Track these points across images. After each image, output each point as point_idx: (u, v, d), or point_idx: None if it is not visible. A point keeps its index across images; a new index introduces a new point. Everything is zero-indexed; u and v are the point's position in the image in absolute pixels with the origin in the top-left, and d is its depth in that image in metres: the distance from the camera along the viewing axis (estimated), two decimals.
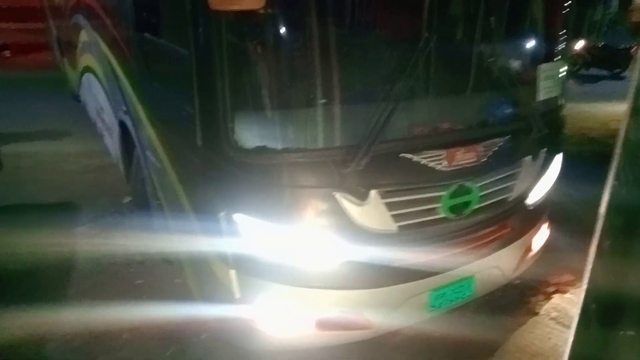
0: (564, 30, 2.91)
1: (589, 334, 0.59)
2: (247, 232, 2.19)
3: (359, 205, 2.17)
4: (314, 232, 2.19)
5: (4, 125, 5.32)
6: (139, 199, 3.84)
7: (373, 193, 2.18)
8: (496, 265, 2.71)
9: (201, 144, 2.22)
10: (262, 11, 1.87)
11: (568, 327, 2.87)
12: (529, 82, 2.67)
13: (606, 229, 0.57)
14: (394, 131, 2.19)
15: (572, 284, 3.35)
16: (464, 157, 2.35)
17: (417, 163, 2.24)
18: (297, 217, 2.17)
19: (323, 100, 2.10)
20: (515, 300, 3.24)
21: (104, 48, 4.14)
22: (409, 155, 2.22)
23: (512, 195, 2.64)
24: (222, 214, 2.21)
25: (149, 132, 3.12)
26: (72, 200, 4.51)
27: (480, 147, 2.40)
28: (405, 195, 2.25)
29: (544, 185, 2.87)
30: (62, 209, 4.37)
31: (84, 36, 5.11)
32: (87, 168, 5.34)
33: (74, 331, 2.87)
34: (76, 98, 6.81)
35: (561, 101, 2.91)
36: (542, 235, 3.06)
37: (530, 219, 2.87)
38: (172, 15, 2.49)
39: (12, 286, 3.26)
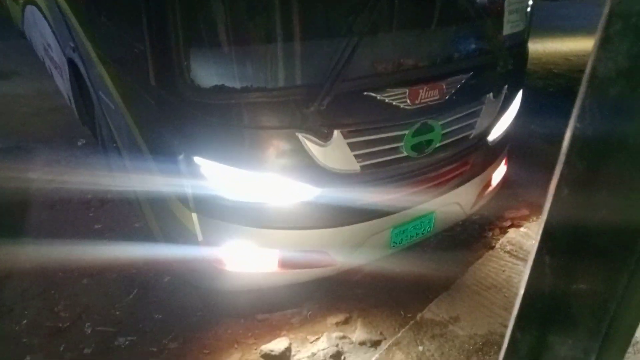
0: None
1: (544, 274, 0.58)
2: (208, 174, 2.14)
3: (322, 145, 2.14)
4: (276, 174, 2.16)
5: None
6: (96, 141, 3.70)
7: (336, 133, 2.14)
8: (456, 201, 2.76)
9: (155, 83, 2.10)
10: None
11: (522, 259, 3.01)
12: (495, 15, 2.60)
13: (567, 173, 0.54)
14: (357, 69, 2.11)
15: (527, 218, 3.48)
16: (428, 94, 2.31)
17: (381, 102, 2.19)
18: (259, 159, 2.13)
19: (283, 36, 2.00)
20: (473, 235, 3.35)
21: None
22: (372, 94, 2.17)
23: (474, 132, 2.64)
24: (181, 157, 2.15)
25: (100, 71, 2.94)
26: (25, 144, 4.31)
27: (444, 84, 2.36)
28: (368, 134, 2.23)
29: (504, 121, 2.89)
30: (15, 153, 4.17)
31: None
32: (39, 110, 5.09)
33: (32, 276, 2.83)
34: (22, 35, 6.34)
35: (526, 36, 2.88)
36: (500, 171, 3.12)
37: (490, 155, 2.90)
38: None
39: None
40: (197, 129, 2.08)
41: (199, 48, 1.97)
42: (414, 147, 2.38)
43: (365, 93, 2.16)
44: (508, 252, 3.11)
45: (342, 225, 2.38)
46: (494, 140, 2.85)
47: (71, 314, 2.60)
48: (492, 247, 3.18)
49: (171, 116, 2.13)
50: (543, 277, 0.58)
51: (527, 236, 3.26)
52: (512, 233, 3.31)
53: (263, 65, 2.02)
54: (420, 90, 2.28)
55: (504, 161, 3.16)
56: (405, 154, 2.36)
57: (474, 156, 2.74)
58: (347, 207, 2.34)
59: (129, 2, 2.19)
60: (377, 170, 2.34)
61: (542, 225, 0.56)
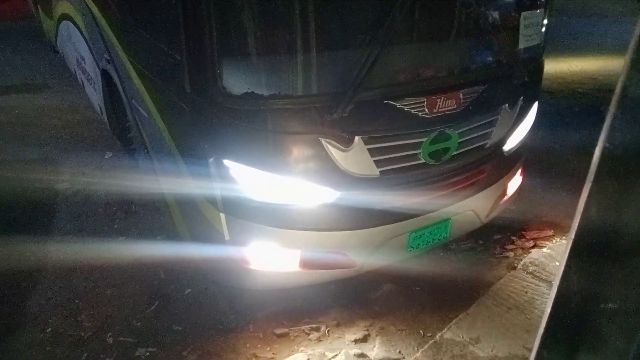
0: None
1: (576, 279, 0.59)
2: (236, 177, 2.25)
3: (343, 151, 2.25)
4: (300, 177, 2.26)
5: None
6: (124, 151, 3.79)
7: (357, 139, 2.25)
8: (472, 208, 2.83)
9: (190, 90, 2.23)
10: None
11: (545, 281, 2.96)
12: (511, 29, 2.69)
13: (595, 192, 0.55)
14: (377, 78, 2.24)
15: (551, 238, 3.42)
16: (445, 104, 2.41)
17: (400, 110, 2.30)
18: (284, 162, 2.24)
19: (308, 48, 2.13)
20: (495, 254, 3.31)
21: None
22: (392, 102, 2.28)
23: (490, 141, 2.72)
24: (211, 160, 2.26)
25: (135, 80, 3.07)
26: (54, 156, 4.43)
27: (460, 95, 2.46)
28: (387, 141, 2.34)
29: (520, 132, 2.95)
30: (44, 164, 4.29)
31: None
32: (69, 122, 5.22)
33: (57, 285, 2.89)
34: (53, 49, 6.56)
35: (541, 50, 2.94)
36: (516, 181, 3.17)
37: (505, 165, 2.96)
38: None
39: None
40: (228, 133, 2.20)
41: (231, 57, 2.11)
42: (432, 155, 2.47)
43: (385, 101, 2.27)
44: (530, 273, 3.05)
45: (361, 227, 2.48)
46: (509, 151, 2.92)
47: (94, 323, 2.64)
48: (514, 268, 3.13)
49: (203, 121, 2.26)
50: (571, 296, 0.59)
51: (550, 257, 3.20)
52: (535, 254, 3.25)
53: (289, 74, 2.17)
54: (438, 100, 2.38)
55: (519, 172, 3.19)
56: (422, 160, 2.46)
57: (489, 165, 2.81)
58: (366, 210, 2.43)
59: (167, 16, 2.31)
60: (396, 176, 2.43)
61: (570, 243, 0.56)
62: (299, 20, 2.10)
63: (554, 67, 7.61)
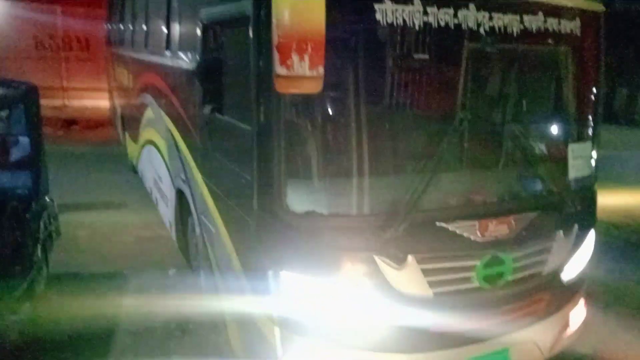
0: (594, 113, 3.08)
1: None
2: (292, 289, 2.32)
3: (397, 269, 2.32)
4: (355, 293, 2.31)
5: (66, 194, 5.61)
6: (188, 266, 3.99)
7: (410, 258, 2.33)
8: (532, 340, 2.75)
9: (257, 207, 2.40)
10: (316, 95, 2.08)
11: None
12: (560, 159, 2.85)
13: None
14: (429, 201, 2.40)
15: None
16: (497, 228, 2.50)
17: (452, 232, 2.40)
18: (339, 277, 2.30)
19: (363, 173, 2.39)
20: None
21: (169, 123, 4.49)
22: (444, 224, 2.39)
23: (546, 268, 2.73)
24: (270, 272, 2.35)
25: (207, 198, 3.32)
26: (122, 271, 4.61)
27: (512, 220, 2.55)
28: (440, 262, 2.40)
29: (578, 261, 2.96)
30: (111, 279, 4.46)
31: (149, 113, 5.54)
32: (139, 239, 5.50)
33: None
34: (134, 169, 7.17)
35: (593, 180, 3.06)
36: (579, 313, 3.08)
37: (565, 294, 2.93)
38: (236, 96, 2.77)
39: (55, 353, 3.33)
40: (289, 247, 2.35)
41: (296, 180, 2.34)
42: (486, 278, 2.50)
43: (437, 223, 2.39)
44: None
45: (416, 351, 2.44)
46: (569, 280, 2.91)
47: None
48: None
49: (267, 236, 2.39)
50: None
51: None
52: None
53: (347, 196, 2.39)
54: (490, 224, 2.48)
55: (582, 303, 3.10)
56: (477, 284, 2.48)
57: (547, 293, 2.79)
58: (420, 332, 2.42)
59: (241, 143, 2.57)
60: (450, 298, 2.45)
61: None
62: (357, 149, 2.37)
63: (621, 200, 7.34)
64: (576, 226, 2.84)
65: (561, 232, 2.75)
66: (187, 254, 4.27)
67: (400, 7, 2.24)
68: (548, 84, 3.12)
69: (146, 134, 5.86)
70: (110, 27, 9.47)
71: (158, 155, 5.12)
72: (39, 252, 3.88)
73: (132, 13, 6.79)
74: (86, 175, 7.92)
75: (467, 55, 2.51)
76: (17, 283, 3.42)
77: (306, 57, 1.87)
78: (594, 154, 3.04)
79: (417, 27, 2.32)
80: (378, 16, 2.21)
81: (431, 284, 2.38)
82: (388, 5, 2.22)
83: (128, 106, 7.39)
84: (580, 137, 3.03)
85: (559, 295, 2.86)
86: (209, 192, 3.27)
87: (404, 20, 2.27)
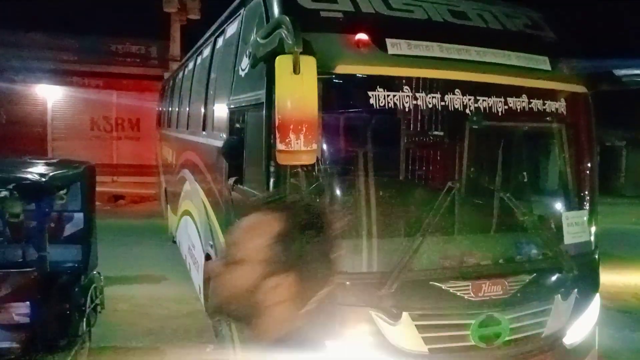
0: (589, 185, 3.27)
1: None
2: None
3: (392, 325, 2.47)
4: (352, 348, 2.39)
5: (110, 268, 5.81)
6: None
7: (405, 315, 2.48)
8: None
9: None
10: (312, 166, 2.49)
11: None
12: (554, 227, 3.01)
13: None
14: (423, 262, 2.62)
15: None
16: (491, 289, 2.62)
17: (445, 291, 2.55)
18: (337, 331, 2.40)
19: (364, 234, 2.65)
20: None
21: (202, 195, 4.93)
22: (437, 284, 2.55)
23: (546, 331, 2.79)
24: None
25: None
26: (159, 346, 4.63)
27: (506, 282, 2.67)
28: (434, 319, 2.56)
29: (582, 325, 2.99)
30: (149, 355, 4.48)
31: (187, 186, 6.03)
32: (177, 313, 5.56)
33: None
34: (174, 240, 7.39)
35: (591, 247, 3.17)
36: None
37: (571, 357, 2.95)
38: (252, 169, 3.13)
39: None
40: None
41: None
42: (482, 338, 2.59)
43: (431, 282, 2.56)
44: None
45: None
46: (572, 344, 2.92)
47: None
48: None
49: None
50: None
51: None
52: None
53: (346, 255, 2.50)
54: (483, 285, 2.61)
55: None
56: (473, 343, 2.57)
57: (548, 355, 2.82)
58: None
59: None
60: (446, 355, 2.56)
61: None
62: (354, 214, 2.64)
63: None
64: (575, 291, 2.92)
65: (559, 296, 2.84)
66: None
67: (382, 93, 2.62)
68: (540, 158, 3.45)
69: (184, 205, 6.32)
70: (160, 110, 10.28)
71: (193, 224, 5.49)
72: (84, 325, 3.98)
73: (177, 98, 7.59)
74: (130, 248, 8.19)
75: (457, 133, 2.90)
76: (63, 356, 3.49)
77: (301, 136, 2.15)
78: (592, 222, 3.17)
79: (405, 109, 2.68)
80: (364, 101, 2.62)
81: (426, 340, 2.49)
82: (370, 92, 2.60)
83: (171, 181, 7.97)
84: (575, 206, 3.20)
85: (564, 358, 2.91)
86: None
87: (389, 104, 2.63)
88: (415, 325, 2.48)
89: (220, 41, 4.59)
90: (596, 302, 3.10)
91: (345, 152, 2.76)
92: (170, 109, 8.55)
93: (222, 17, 4.54)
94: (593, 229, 3.16)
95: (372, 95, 2.59)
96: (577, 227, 3.02)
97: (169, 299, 5.93)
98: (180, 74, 7.81)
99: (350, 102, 2.77)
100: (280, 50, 2.21)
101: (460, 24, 2.92)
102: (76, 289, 3.94)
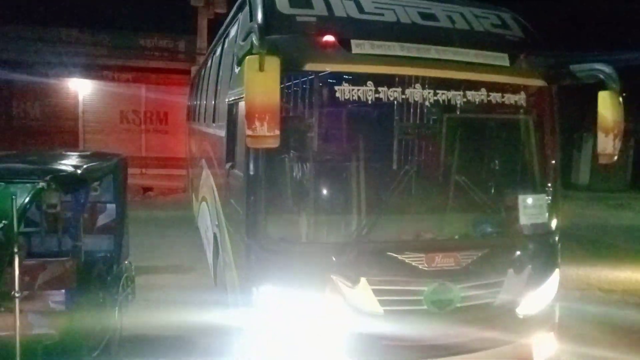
0: (546, 170, 3.56)
1: None
2: (270, 301, 2.94)
3: (351, 288, 2.88)
4: (318, 306, 2.88)
5: (141, 258, 5.94)
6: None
7: (363, 280, 2.88)
8: None
9: (246, 237, 3.09)
10: (285, 151, 3.02)
11: None
12: (511, 208, 3.34)
13: None
14: (381, 235, 3.05)
15: None
16: (444, 261, 2.98)
17: (401, 261, 2.93)
18: (307, 292, 2.90)
19: (328, 209, 3.21)
20: None
21: (212, 180, 5.37)
22: (393, 254, 2.94)
23: (498, 301, 3.13)
24: (254, 288, 2.98)
25: (225, 235, 4.00)
26: (189, 336, 4.72)
27: (459, 255, 3.01)
28: (389, 284, 2.91)
29: (539, 298, 3.28)
30: (179, 344, 4.58)
31: (203, 174, 6.38)
32: (206, 303, 5.63)
33: None
34: (197, 225, 7.53)
35: (549, 228, 3.47)
36: (546, 348, 3.34)
37: (522, 327, 3.22)
38: (240, 154, 3.43)
39: None
40: (267, 266, 2.98)
41: (273, 215, 3.05)
42: (434, 303, 2.95)
43: (388, 253, 2.94)
44: None
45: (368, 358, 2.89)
46: (526, 314, 3.23)
47: None
48: None
49: (251, 257, 3.06)
50: None
51: None
52: None
53: (311, 227, 3.12)
54: (436, 257, 2.97)
55: (549, 339, 3.37)
56: (425, 307, 2.94)
57: (502, 323, 3.13)
58: (374, 344, 2.88)
59: (240, 186, 3.26)
60: (399, 316, 2.92)
61: None
62: (320, 191, 3.19)
63: None
64: (530, 267, 3.22)
65: (512, 270, 3.16)
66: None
67: (347, 87, 2.99)
68: (499, 147, 3.77)
69: (202, 192, 6.62)
70: (188, 104, 10.53)
71: (206, 208, 5.86)
72: (116, 314, 4.09)
73: (198, 93, 8.04)
74: (159, 238, 8.35)
75: (416, 123, 3.24)
76: (96, 344, 3.59)
77: (265, 123, 2.52)
78: (550, 206, 3.46)
79: (368, 101, 3.00)
80: (330, 94, 3.02)
81: (381, 302, 2.88)
82: (336, 86, 2.99)
83: (195, 171, 8.26)
84: (532, 191, 3.46)
85: (518, 327, 3.20)
86: (227, 231, 3.93)
87: (353, 96, 2.99)
88: (372, 289, 2.86)
89: (226, 41, 5.03)
90: (554, 279, 3.39)
91: (312, 137, 3.14)
92: (194, 103, 8.94)
93: (227, 19, 5.03)
94: (552, 212, 3.46)
95: (338, 88, 2.98)
96: (533, 209, 3.32)
97: (195, 289, 6.02)
98: (202, 71, 8.27)
99: (319, 94, 3.08)
100: (250, 51, 2.58)
101: (427, 24, 3.21)
102: (109, 278, 4.05)
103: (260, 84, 2.51)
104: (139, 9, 15.06)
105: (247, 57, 2.55)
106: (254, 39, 2.55)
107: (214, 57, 6.19)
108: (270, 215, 3.00)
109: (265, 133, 2.52)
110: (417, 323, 2.91)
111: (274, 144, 2.58)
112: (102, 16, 14.80)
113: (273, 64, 2.50)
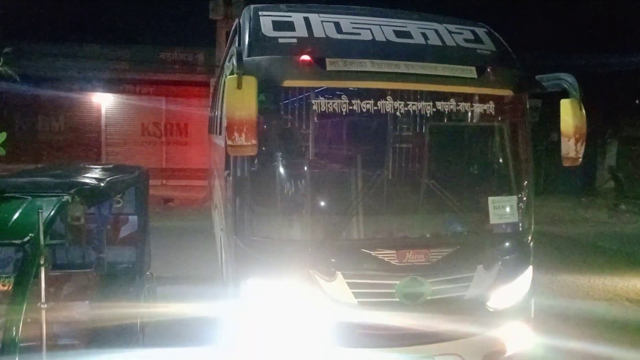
0: (516, 172, 3.71)
1: None
2: (254, 294, 3.20)
3: (328, 281, 3.11)
4: (297, 298, 3.12)
5: (162, 268, 6.00)
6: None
7: (339, 274, 3.11)
8: (457, 353, 3.27)
9: (234, 234, 3.35)
10: (265, 157, 3.34)
11: None
12: (481, 209, 3.51)
13: None
14: (356, 233, 3.32)
15: None
16: (415, 257, 3.18)
17: (374, 257, 3.16)
18: (288, 285, 3.15)
19: (304, 210, 3.42)
20: None
21: (220, 188, 5.47)
22: (367, 251, 3.17)
23: (467, 295, 3.30)
24: (240, 281, 3.25)
25: (224, 235, 4.25)
26: (209, 345, 4.73)
27: (429, 252, 3.21)
28: (363, 278, 3.15)
29: (508, 293, 3.44)
30: (199, 354, 4.59)
31: (216, 183, 6.54)
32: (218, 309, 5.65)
33: None
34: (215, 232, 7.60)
35: (520, 228, 3.65)
36: (517, 340, 3.49)
37: (493, 320, 3.39)
38: (228, 160, 3.65)
39: None
40: (251, 261, 3.24)
41: (257, 215, 3.33)
42: (406, 296, 3.16)
43: (362, 249, 3.19)
44: None
45: (346, 346, 3.12)
46: (496, 309, 3.40)
47: None
48: None
49: (238, 253, 3.32)
50: None
51: None
52: None
53: (291, 226, 3.39)
54: (407, 254, 3.17)
55: (521, 332, 3.51)
56: (397, 299, 3.15)
57: (472, 316, 3.30)
58: (350, 332, 3.11)
59: (230, 191, 3.54)
60: (372, 307, 3.13)
61: None
62: (300, 194, 3.41)
63: None
64: (499, 263, 3.40)
65: (481, 266, 3.32)
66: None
67: (322, 100, 3.24)
68: (471, 152, 4.00)
69: (215, 200, 6.84)
70: (209, 116, 10.76)
71: (217, 215, 6.08)
72: (138, 325, 4.13)
73: (214, 106, 8.37)
74: (180, 249, 8.43)
75: (388, 131, 3.52)
76: (118, 352, 3.63)
77: (243, 134, 2.78)
78: (521, 207, 3.61)
79: (342, 112, 3.24)
80: (307, 107, 3.29)
81: (355, 295, 3.11)
82: (312, 100, 3.24)
83: (212, 181, 8.40)
84: (502, 193, 3.65)
85: (489, 319, 3.36)
86: (226, 232, 4.12)
87: (328, 108, 3.24)
88: (347, 282, 3.09)
89: (230, 57, 5.27)
90: (527, 276, 3.57)
91: (289, 146, 3.48)
92: (211, 116, 9.33)
93: (230, 37, 5.32)
94: (522, 213, 3.63)
95: (314, 102, 3.25)
96: (503, 210, 3.52)
97: (218, 299, 6.05)
98: (217, 85, 8.69)
99: (296, 107, 3.35)
100: (232, 72, 2.86)
101: (400, 42, 3.42)
102: (131, 289, 4.10)
103: (238, 100, 2.79)
104: (159, 24, 15.41)
105: (228, 77, 2.86)
106: (234, 60, 2.87)
107: (222, 72, 6.56)
108: (255, 215, 3.30)
109: (244, 143, 2.80)
110: (390, 314, 3.11)
111: (251, 152, 2.85)
112: (123, 32, 15.17)
113: (250, 82, 2.79)
